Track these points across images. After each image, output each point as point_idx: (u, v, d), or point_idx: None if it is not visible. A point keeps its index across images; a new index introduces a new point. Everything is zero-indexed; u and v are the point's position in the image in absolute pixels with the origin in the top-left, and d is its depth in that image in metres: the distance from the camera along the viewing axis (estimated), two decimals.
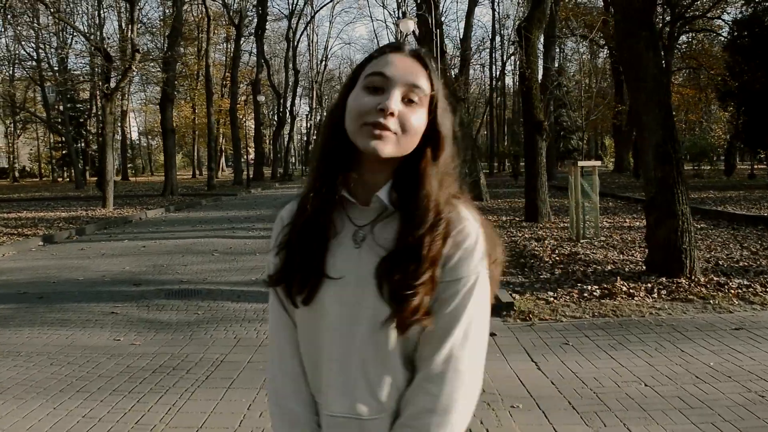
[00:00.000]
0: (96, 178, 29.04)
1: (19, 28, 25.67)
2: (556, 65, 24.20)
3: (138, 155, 60.14)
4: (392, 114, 1.02)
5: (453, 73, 18.77)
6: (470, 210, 1.09)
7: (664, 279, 5.92)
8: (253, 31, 36.78)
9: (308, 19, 43.61)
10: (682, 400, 3.35)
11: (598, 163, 9.66)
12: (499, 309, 5.26)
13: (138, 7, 22.40)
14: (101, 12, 29.54)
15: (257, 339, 4.73)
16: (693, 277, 5.91)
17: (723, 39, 26.19)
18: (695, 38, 30.85)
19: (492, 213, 13.28)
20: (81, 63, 34.43)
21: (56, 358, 4.37)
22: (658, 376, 3.71)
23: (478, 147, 20.73)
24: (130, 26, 19.07)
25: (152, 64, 25.26)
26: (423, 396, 1.04)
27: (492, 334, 4.67)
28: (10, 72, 36.37)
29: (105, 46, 20.24)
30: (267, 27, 38.28)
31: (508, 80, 46.55)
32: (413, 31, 18.02)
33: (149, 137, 59.77)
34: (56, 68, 33.49)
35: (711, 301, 5.33)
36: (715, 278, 5.99)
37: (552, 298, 5.57)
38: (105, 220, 14.31)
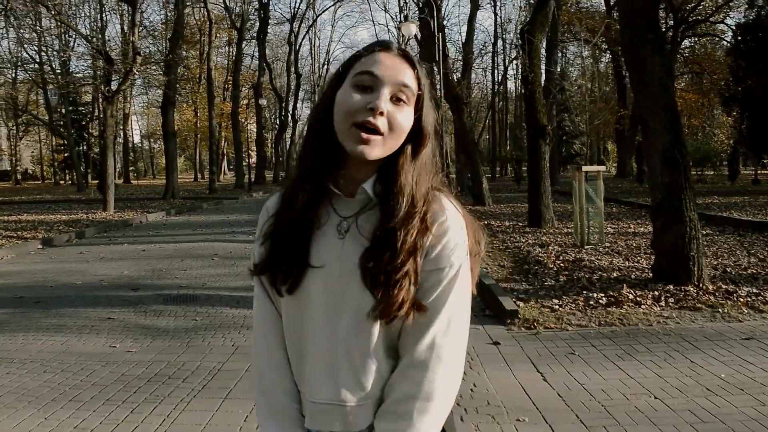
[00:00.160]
0: (97, 181, 28.97)
1: (21, 30, 25.65)
2: (559, 69, 24.11)
3: (140, 158, 60.16)
4: (381, 113, 1.04)
5: (455, 77, 18.67)
6: (453, 202, 1.12)
7: (671, 286, 5.80)
8: (255, 34, 36.77)
9: (310, 22, 43.69)
10: (694, 413, 3.24)
11: (603, 168, 9.54)
12: (503, 316, 5.17)
13: (140, 11, 22.39)
14: (103, 15, 29.58)
15: None
16: (701, 285, 5.79)
17: (726, 43, 26.15)
18: (698, 43, 30.77)
19: (495, 218, 13.17)
20: (83, 66, 34.47)
21: (50, 366, 4.27)
22: (668, 388, 3.60)
23: (480, 151, 20.61)
24: (131, 29, 19.03)
25: (154, 67, 25.22)
26: (406, 383, 1.06)
27: (496, 343, 4.57)
28: (13, 74, 36.38)
29: (107, 49, 20.21)
30: (269, 30, 38.31)
31: (510, 84, 46.58)
32: (415, 35, 17.95)
33: (151, 140, 59.74)
34: (58, 71, 33.55)
35: (720, 310, 5.22)
36: (723, 286, 5.87)
37: (557, 306, 5.45)
38: (105, 223, 14.23)
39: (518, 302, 5.54)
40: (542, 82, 12.43)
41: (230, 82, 36.87)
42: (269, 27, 37.97)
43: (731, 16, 27.50)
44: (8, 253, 9.87)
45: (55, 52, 32.24)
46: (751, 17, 20.52)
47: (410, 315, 1.05)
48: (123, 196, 23.72)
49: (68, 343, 4.85)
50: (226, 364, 4.23)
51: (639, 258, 7.60)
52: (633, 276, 6.51)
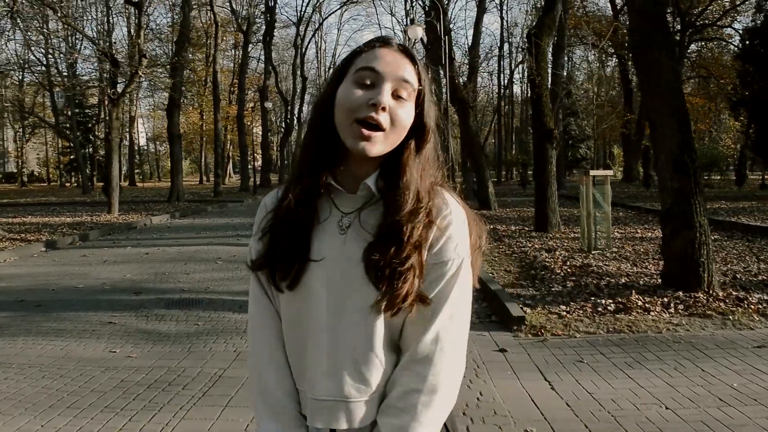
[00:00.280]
0: (102, 184, 29.01)
1: (28, 33, 25.74)
2: (565, 73, 24.02)
3: (146, 161, 60.25)
4: (384, 109, 1.04)
5: (461, 80, 18.59)
6: (455, 197, 1.13)
7: (680, 293, 5.69)
8: (261, 37, 36.75)
9: (316, 26, 43.72)
10: (706, 424, 3.14)
11: (610, 172, 9.45)
12: (509, 323, 5.08)
13: (146, 14, 22.42)
14: (110, 18, 29.65)
15: None
16: (711, 292, 5.68)
17: (734, 48, 25.98)
18: (705, 47, 30.63)
19: (501, 222, 13.07)
20: (89, 68, 34.60)
21: (48, 371, 4.21)
22: (679, 398, 3.50)
23: (486, 155, 20.54)
24: (137, 32, 19.05)
25: (160, 69, 25.23)
26: (410, 376, 1.06)
27: (503, 350, 4.48)
28: (20, 77, 36.55)
29: (113, 51, 20.23)
30: (275, 34, 38.27)
31: (516, 88, 46.46)
32: (421, 38, 17.89)
33: (157, 143, 59.83)
34: (65, 73, 33.65)
35: (730, 317, 5.11)
36: (733, 293, 5.75)
37: (565, 312, 5.36)
38: (109, 226, 14.20)
39: (525, 308, 5.44)
40: (549, 86, 12.31)
41: (236, 85, 36.88)
42: (275, 30, 37.99)
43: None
44: (11, 255, 9.83)
45: (61, 55, 32.40)
46: (759, 21, 20.38)
47: (414, 307, 1.05)
48: (128, 199, 23.72)
49: (68, 347, 4.78)
50: (228, 371, 4.15)
51: (647, 263, 7.49)
52: (641, 282, 6.41)
